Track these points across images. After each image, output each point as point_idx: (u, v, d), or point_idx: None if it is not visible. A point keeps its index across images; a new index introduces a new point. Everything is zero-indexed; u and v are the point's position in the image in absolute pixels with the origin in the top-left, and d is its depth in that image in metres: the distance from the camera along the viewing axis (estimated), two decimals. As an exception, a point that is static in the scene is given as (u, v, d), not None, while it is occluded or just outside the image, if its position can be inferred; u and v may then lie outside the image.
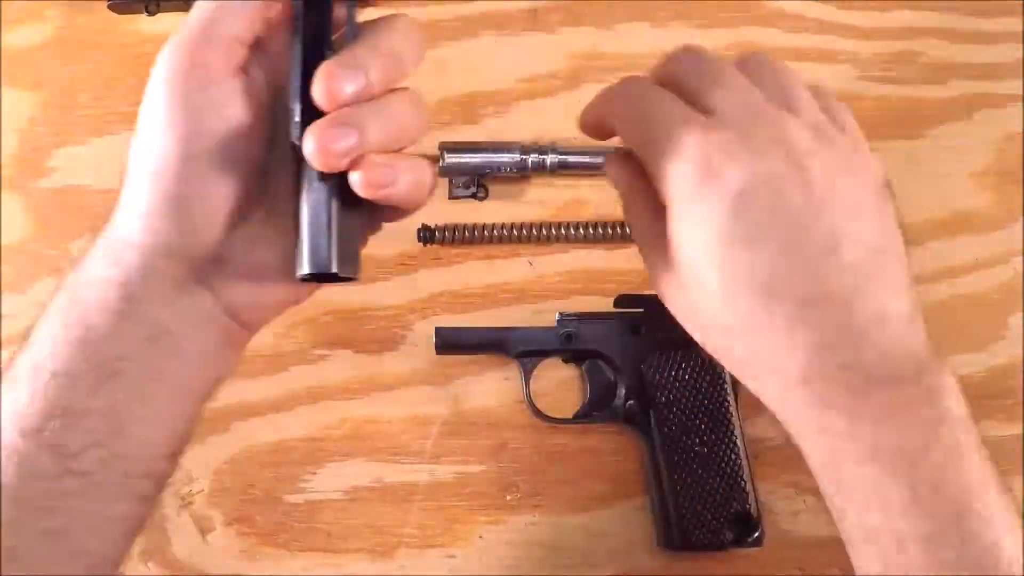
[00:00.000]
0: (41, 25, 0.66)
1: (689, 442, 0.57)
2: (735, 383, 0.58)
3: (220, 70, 0.36)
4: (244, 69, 0.38)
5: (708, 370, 0.58)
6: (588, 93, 0.64)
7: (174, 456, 0.39)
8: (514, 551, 0.60)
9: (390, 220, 0.43)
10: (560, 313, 0.59)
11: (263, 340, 0.61)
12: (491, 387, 0.61)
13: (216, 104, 0.36)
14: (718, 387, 0.58)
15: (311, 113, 0.36)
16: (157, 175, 0.37)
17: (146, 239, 0.37)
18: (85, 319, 0.36)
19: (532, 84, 0.65)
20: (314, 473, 0.60)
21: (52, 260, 0.63)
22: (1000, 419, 0.61)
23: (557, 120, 0.64)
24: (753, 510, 0.56)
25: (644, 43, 0.65)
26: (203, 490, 0.60)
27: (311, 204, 0.37)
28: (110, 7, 0.65)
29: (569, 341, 0.59)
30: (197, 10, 0.37)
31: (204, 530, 0.60)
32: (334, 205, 0.37)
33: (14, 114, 0.65)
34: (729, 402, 0.57)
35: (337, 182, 0.37)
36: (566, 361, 0.61)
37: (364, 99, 0.36)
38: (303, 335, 0.61)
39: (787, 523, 0.59)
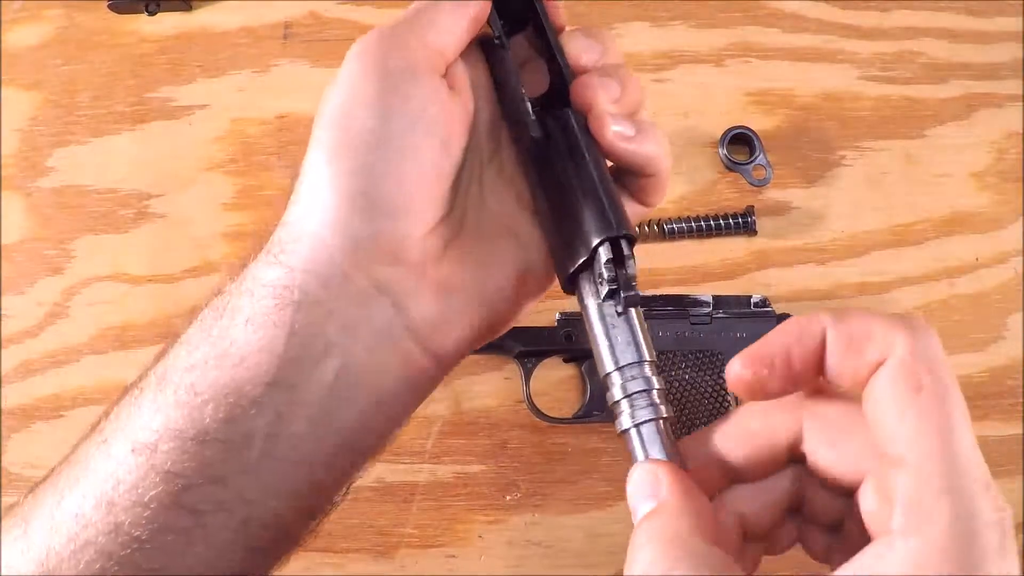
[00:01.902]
0: (41, 25, 0.66)
1: (689, 442, 0.57)
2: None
3: (423, 63, 0.34)
4: (445, 76, 0.35)
5: (708, 370, 0.58)
6: (588, 93, 0.65)
7: (310, 515, 0.33)
8: (514, 551, 0.59)
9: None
10: (560, 313, 0.59)
11: (263, 340, 0.61)
12: (491, 387, 0.61)
13: (420, 91, 0.33)
14: (718, 386, 0.58)
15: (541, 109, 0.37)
16: (350, 151, 0.32)
17: (323, 228, 0.31)
18: (231, 332, 0.31)
19: (532, 84, 0.65)
20: (314, 473, 0.60)
21: (52, 260, 0.63)
22: (1000, 419, 0.61)
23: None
24: (753, 510, 0.56)
25: (644, 43, 0.65)
26: (203, 490, 0.60)
27: (582, 178, 0.35)
28: (110, 7, 0.65)
29: (569, 341, 0.59)
30: (409, 9, 0.35)
31: (204, 530, 0.59)
32: (606, 170, 0.35)
33: (14, 114, 0.65)
34: (729, 401, 0.57)
35: (597, 155, 0.36)
36: (566, 361, 0.61)
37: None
38: (303, 335, 0.61)
39: (787, 523, 0.59)
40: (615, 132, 0.35)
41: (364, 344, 0.32)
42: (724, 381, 0.57)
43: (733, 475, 0.31)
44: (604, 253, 0.33)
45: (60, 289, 0.62)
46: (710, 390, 0.58)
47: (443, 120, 0.34)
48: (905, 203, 0.64)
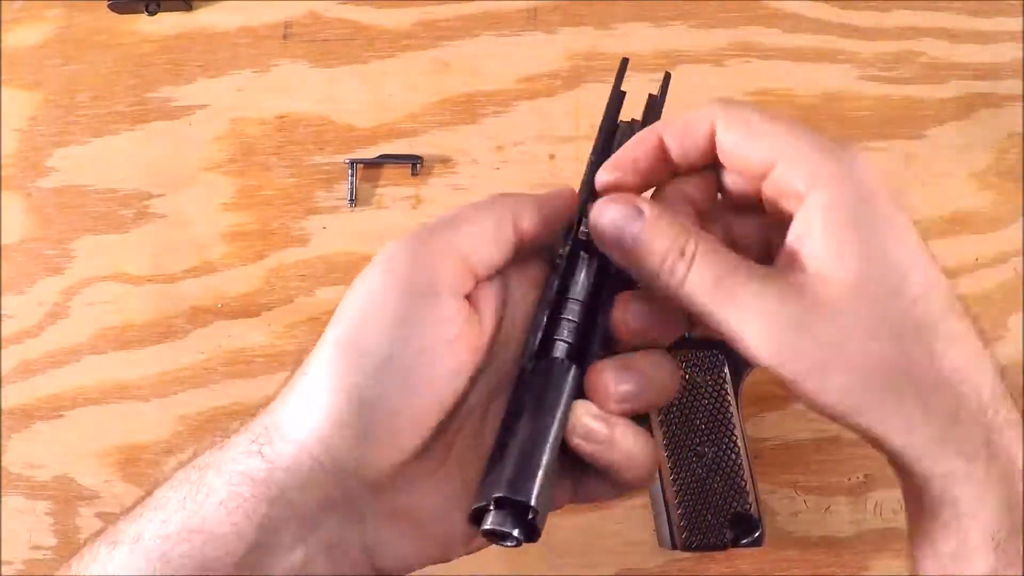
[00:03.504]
0: (41, 25, 0.66)
1: (689, 442, 0.57)
2: (736, 382, 0.58)
3: (449, 284, 0.34)
4: (471, 298, 0.35)
5: (709, 369, 0.58)
6: (588, 93, 0.65)
7: None
8: (514, 551, 0.59)
9: (587, 500, 0.38)
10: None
11: (263, 340, 0.61)
12: (491, 387, 0.61)
13: (439, 316, 0.33)
14: (719, 386, 0.57)
15: (547, 347, 0.36)
16: (352, 372, 0.32)
17: (312, 440, 0.32)
18: (204, 509, 0.32)
19: (532, 84, 0.65)
20: (314, 473, 0.60)
21: (52, 260, 0.63)
22: (1000, 419, 0.61)
23: (557, 120, 0.64)
24: (753, 510, 0.56)
25: (644, 43, 0.65)
26: (203, 490, 0.60)
27: (530, 431, 0.34)
28: (110, 7, 0.65)
29: (569, 341, 0.59)
30: (448, 214, 0.35)
31: (204, 530, 0.60)
32: (555, 441, 0.34)
33: (14, 114, 0.65)
34: (730, 402, 0.57)
35: (561, 424, 0.34)
36: (566, 361, 0.61)
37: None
38: (303, 335, 0.61)
39: (787, 523, 0.59)
40: (585, 431, 0.34)
41: (321, 545, 0.33)
42: (724, 381, 0.58)
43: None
44: (489, 518, 0.33)
45: (60, 289, 0.62)
46: (710, 390, 0.57)
47: (456, 351, 0.34)
48: (905, 203, 0.64)
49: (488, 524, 0.33)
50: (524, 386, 0.36)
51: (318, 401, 0.32)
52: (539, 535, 0.33)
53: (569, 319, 0.37)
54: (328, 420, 0.32)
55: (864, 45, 0.66)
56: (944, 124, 0.65)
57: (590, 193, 0.37)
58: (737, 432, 0.57)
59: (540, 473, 0.33)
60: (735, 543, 0.56)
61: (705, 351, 0.58)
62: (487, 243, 0.35)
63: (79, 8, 0.66)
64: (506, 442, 0.34)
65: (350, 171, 0.63)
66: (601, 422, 0.34)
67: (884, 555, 0.58)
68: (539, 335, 0.36)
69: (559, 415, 0.34)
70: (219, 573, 0.32)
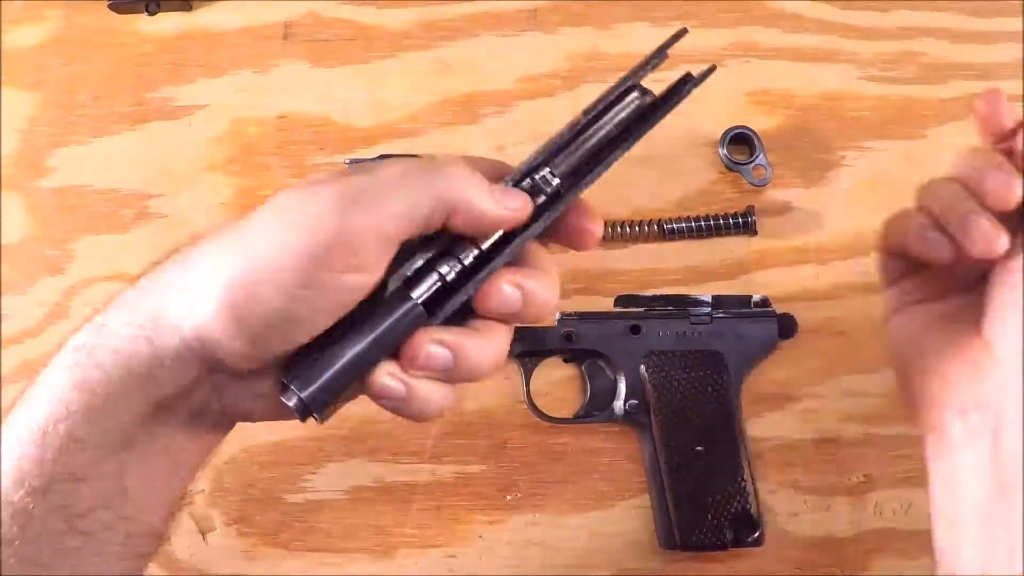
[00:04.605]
0: (41, 25, 0.66)
1: (689, 442, 0.57)
2: (736, 382, 0.58)
3: (366, 263, 0.35)
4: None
5: (708, 370, 0.58)
6: (588, 93, 0.65)
7: (172, 516, 0.40)
8: (514, 551, 0.60)
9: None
10: (560, 312, 0.59)
11: (263, 340, 0.61)
12: (491, 387, 0.61)
13: (347, 284, 0.35)
14: (719, 387, 0.58)
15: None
16: (243, 298, 0.34)
17: (197, 333, 0.35)
18: (103, 386, 0.35)
19: (532, 84, 0.65)
20: (314, 473, 0.60)
21: (52, 260, 0.63)
22: (1000, 419, 0.61)
23: (557, 120, 0.64)
24: (753, 510, 0.56)
25: (644, 43, 0.64)
26: (203, 490, 0.60)
27: (356, 351, 0.36)
28: (110, 7, 0.65)
29: (569, 341, 0.59)
30: (372, 188, 0.36)
31: (204, 530, 0.60)
32: (362, 360, 0.36)
33: (14, 114, 0.65)
34: (730, 402, 0.57)
35: (376, 354, 0.36)
36: (566, 361, 0.61)
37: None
38: (303, 335, 0.61)
39: (787, 523, 0.59)
40: (380, 388, 0.36)
41: (194, 410, 0.37)
42: (724, 381, 0.58)
43: None
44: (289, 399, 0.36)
45: (60, 289, 0.62)
46: (710, 390, 0.58)
47: (347, 301, 0.35)
48: (905, 203, 0.64)
49: (282, 397, 0.36)
50: (376, 303, 0.36)
51: (205, 309, 0.34)
52: (325, 419, 0.37)
53: (461, 260, 0.37)
54: (212, 324, 0.34)
55: (864, 45, 0.66)
56: (944, 124, 0.65)
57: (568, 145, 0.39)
58: (737, 432, 0.57)
59: (329, 380, 0.35)
60: (735, 543, 0.56)
61: (705, 351, 0.58)
62: (413, 219, 0.36)
63: (79, 8, 0.66)
64: (327, 341, 0.36)
65: (350, 171, 0.63)
66: (398, 381, 0.36)
67: (884, 555, 0.58)
68: (416, 266, 0.37)
69: (380, 348, 0.36)
70: (120, 436, 0.35)
